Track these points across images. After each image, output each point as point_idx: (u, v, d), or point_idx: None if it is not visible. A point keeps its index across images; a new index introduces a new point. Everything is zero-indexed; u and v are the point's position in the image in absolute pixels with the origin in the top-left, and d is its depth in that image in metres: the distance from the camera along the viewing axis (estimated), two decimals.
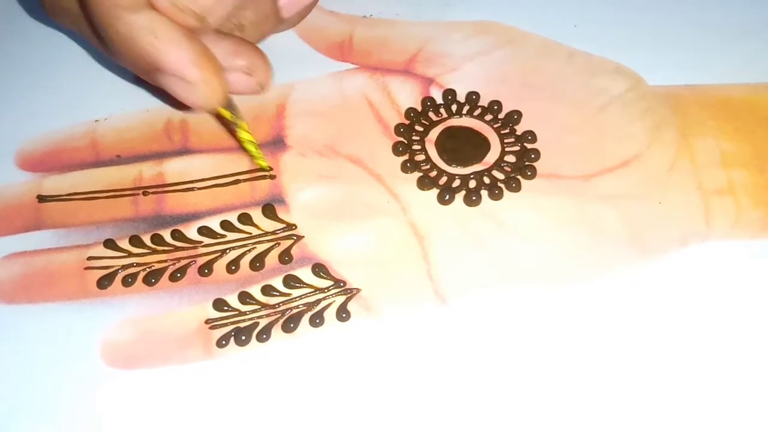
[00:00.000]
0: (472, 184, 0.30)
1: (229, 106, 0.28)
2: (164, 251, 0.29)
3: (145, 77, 0.27)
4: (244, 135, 0.29)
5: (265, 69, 0.28)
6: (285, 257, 0.28)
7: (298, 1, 0.30)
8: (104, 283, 0.28)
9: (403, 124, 0.32)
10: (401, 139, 0.32)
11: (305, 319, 0.27)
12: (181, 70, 0.25)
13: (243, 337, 0.26)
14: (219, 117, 0.29)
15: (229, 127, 0.30)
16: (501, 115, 0.32)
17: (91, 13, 0.26)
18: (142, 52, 0.25)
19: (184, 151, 0.31)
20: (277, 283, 0.28)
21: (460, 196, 0.30)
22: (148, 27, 0.25)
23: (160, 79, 0.26)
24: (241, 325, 0.27)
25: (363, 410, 0.25)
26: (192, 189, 0.30)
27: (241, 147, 0.30)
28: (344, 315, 0.27)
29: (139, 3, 0.25)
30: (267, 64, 0.29)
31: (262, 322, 0.27)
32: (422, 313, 0.27)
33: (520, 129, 0.32)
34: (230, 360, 0.26)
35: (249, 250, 0.29)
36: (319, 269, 0.28)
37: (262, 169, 0.30)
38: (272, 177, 0.30)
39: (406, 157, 0.31)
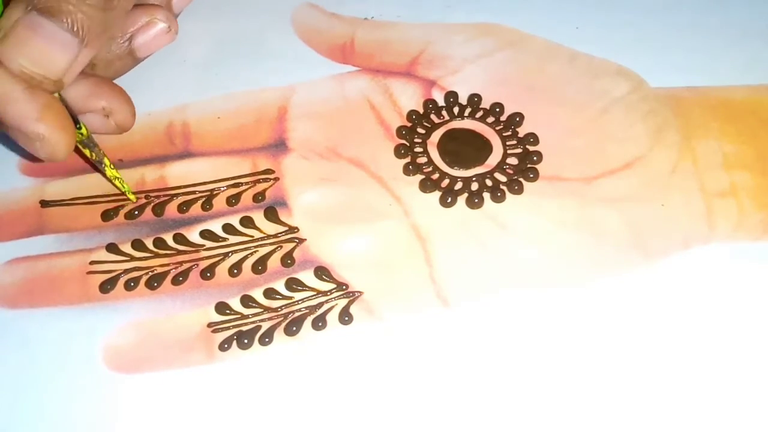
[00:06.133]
0: (474, 186, 0.30)
1: (90, 145, 0.28)
2: (166, 255, 0.29)
3: None
4: (109, 172, 0.29)
5: (124, 110, 0.28)
6: (287, 260, 0.28)
7: (154, 43, 0.30)
8: (107, 287, 0.28)
9: (405, 126, 0.32)
10: (403, 141, 0.32)
11: (308, 322, 0.27)
12: (24, 127, 0.25)
13: (245, 341, 0.26)
14: (80, 153, 0.28)
15: (93, 164, 0.30)
16: (503, 118, 0.32)
17: None
18: None
19: (186, 155, 0.31)
20: (280, 286, 0.28)
21: (462, 199, 0.30)
22: None
23: (8, 132, 0.25)
24: (244, 328, 0.27)
25: (366, 413, 0.25)
26: (194, 193, 0.30)
27: (109, 180, 0.29)
28: (347, 318, 0.27)
29: None
30: (126, 105, 0.29)
31: (265, 326, 0.27)
32: (424, 316, 0.27)
33: (522, 131, 0.32)
34: (233, 363, 0.26)
35: (251, 254, 0.29)
36: (322, 272, 0.28)
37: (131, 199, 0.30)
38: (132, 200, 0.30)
39: (408, 159, 0.31)
